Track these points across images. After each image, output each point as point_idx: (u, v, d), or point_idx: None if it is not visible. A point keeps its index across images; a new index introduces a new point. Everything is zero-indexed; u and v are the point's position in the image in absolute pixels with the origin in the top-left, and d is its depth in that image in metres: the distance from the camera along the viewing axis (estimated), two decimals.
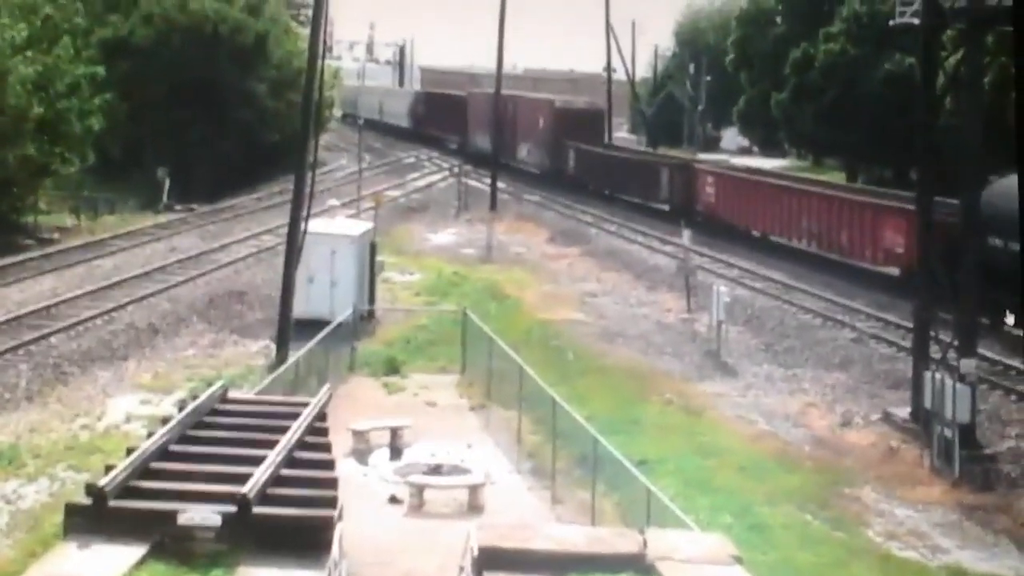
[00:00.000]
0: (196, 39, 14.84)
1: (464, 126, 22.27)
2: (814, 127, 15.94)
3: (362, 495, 5.41)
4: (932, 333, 7.35)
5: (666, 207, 16.08)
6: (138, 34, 14.55)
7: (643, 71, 24.65)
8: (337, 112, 23.20)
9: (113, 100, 12.88)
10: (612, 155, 19.68)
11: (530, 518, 5.23)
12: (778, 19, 18.36)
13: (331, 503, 3.54)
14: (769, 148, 22.23)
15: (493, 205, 16.28)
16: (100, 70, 12.11)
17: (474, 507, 5.56)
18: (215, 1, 14.97)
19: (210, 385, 5.30)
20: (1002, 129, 7.43)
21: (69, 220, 13.58)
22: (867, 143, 15.29)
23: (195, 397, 4.74)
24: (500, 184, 16.66)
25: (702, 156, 19.84)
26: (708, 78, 24.19)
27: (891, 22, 8.86)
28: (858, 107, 14.88)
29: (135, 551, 3.21)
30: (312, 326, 7.87)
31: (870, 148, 15.41)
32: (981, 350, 7.65)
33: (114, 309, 9.37)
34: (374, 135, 23.31)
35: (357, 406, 7.06)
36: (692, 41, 24.08)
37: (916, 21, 7.89)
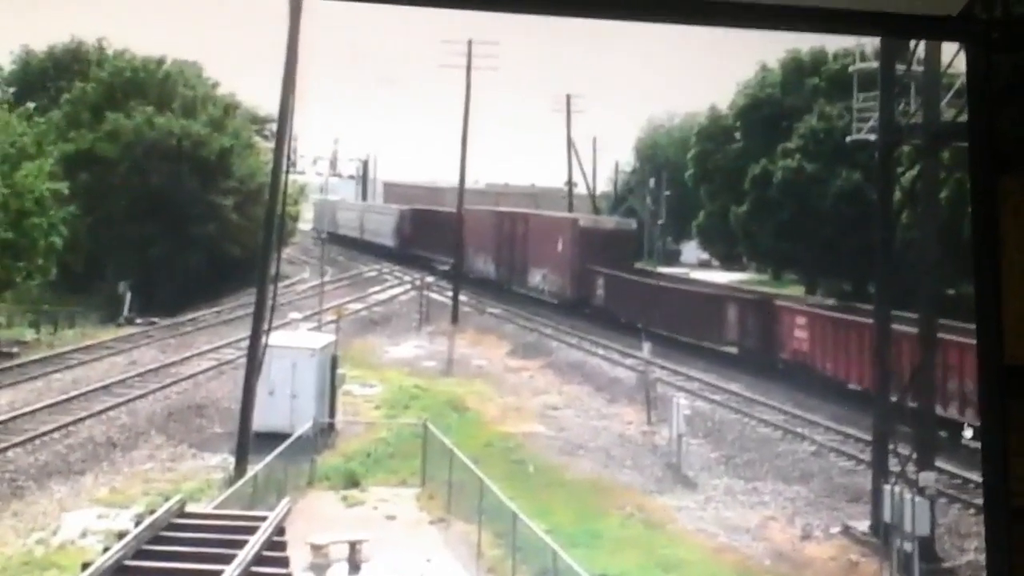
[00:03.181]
0: (159, 153, 15.43)
1: (460, 248, 20.35)
2: (773, 241, 16.26)
3: None
4: (891, 446, 7.41)
5: (733, 350, 12.96)
6: (100, 147, 14.77)
7: (604, 185, 24.68)
8: (307, 227, 22.97)
9: (75, 214, 12.95)
10: (659, 285, 14.49)
11: None
12: (736, 135, 18.53)
13: None
14: (729, 262, 22.31)
15: (455, 318, 16.27)
16: (64, 187, 12.19)
17: None
18: (179, 118, 15.14)
19: (168, 499, 5.28)
20: (958, 243, 7.56)
21: (29, 334, 13.78)
22: (826, 257, 15.65)
23: (152, 512, 4.72)
24: (462, 297, 16.66)
25: (663, 269, 19.39)
26: (668, 192, 23.82)
27: (848, 138, 9.05)
28: (816, 221, 15.57)
29: None
30: (272, 439, 7.88)
31: (829, 262, 15.69)
32: (940, 463, 7.72)
33: (72, 423, 9.63)
34: (339, 249, 23.45)
35: (316, 519, 7.05)
36: (652, 156, 24.28)
37: (872, 137, 8.06)
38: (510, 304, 16.35)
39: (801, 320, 12.94)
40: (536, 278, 18.72)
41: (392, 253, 22.17)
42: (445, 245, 21.04)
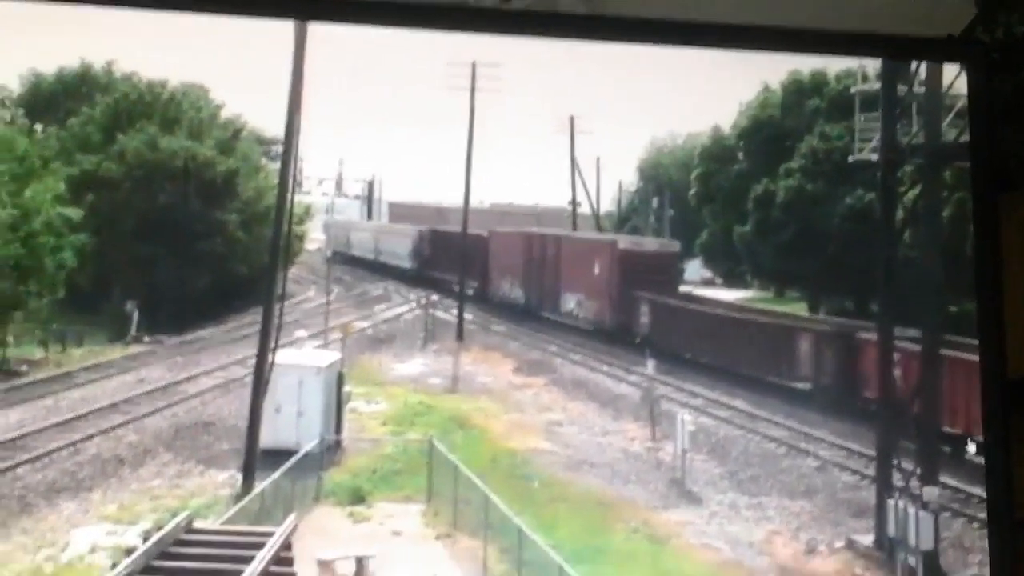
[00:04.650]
0: (164, 174, 15.41)
1: (484, 270, 18.93)
2: (776, 260, 16.29)
3: None
4: (895, 461, 7.45)
5: (806, 386, 10.78)
6: (105, 168, 14.78)
7: (608, 205, 24.62)
8: (313, 246, 22.87)
9: (84, 240, 12.94)
10: (715, 314, 12.33)
11: None
12: (739, 155, 18.51)
13: None
14: (732, 280, 22.26)
15: (460, 336, 16.20)
16: (76, 213, 12.19)
17: None
18: (186, 140, 15.16)
19: (175, 515, 5.32)
20: (960, 261, 7.58)
21: (38, 353, 13.75)
22: (828, 275, 15.64)
23: (160, 528, 4.76)
24: (467, 315, 16.63)
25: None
26: (671, 212, 23.86)
27: (850, 158, 9.09)
28: (819, 240, 15.51)
29: None
30: (279, 456, 7.91)
31: (831, 280, 15.70)
32: (943, 478, 7.75)
33: (80, 440, 9.65)
34: (345, 268, 23.35)
35: (323, 535, 7.08)
36: (655, 176, 24.17)
37: (875, 157, 8.10)
38: (519, 323, 16.08)
39: (899, 357, 11.04)
40: (570, 304, 16.70)
41: (409, 275, 21.10)
42: (469, 267, 19.97)
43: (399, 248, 23.52)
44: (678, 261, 17.35)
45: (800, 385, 12.47)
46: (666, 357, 13.17)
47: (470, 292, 17.44)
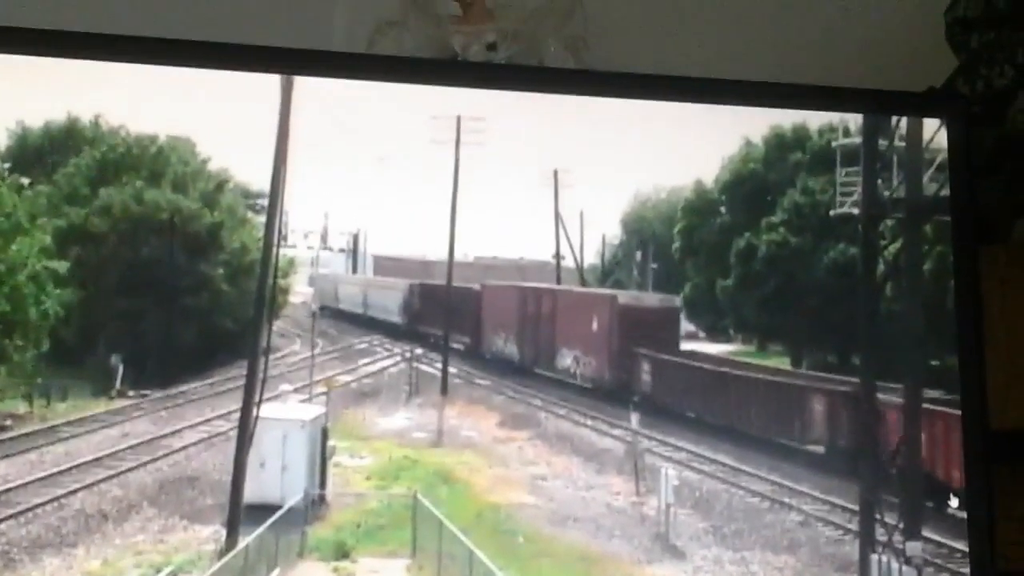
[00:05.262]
0: (149, 228, 15.22)
1: (476, 325, 18.40)
2: (759, 313, 16.14)
3: None
4: (878, 516, 7.42)
5: (819, 449, 11.25)
6: (92, 223, 14.53)
7: (591, 258, 24.25)
8: (298, 299, 22.46)
9: (72, 294, 12.79)
10: (722, 372, 12.29)
11: None
12: (722, 209, 18.38)
13: None
14: (715, 334, 21.98)
15: (444, 389, 15.86)
16: (63, 266, 11.99)
17: None
18: (171, 192, 14.99)
19: (159, 571, 5.29)
20: (942, 315, 7.61)
21: (22, 407, 13.64)
22: (811, 329, 15.56)
23: None
24: (451, 369, 16.31)
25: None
26: (655, 265, 23.45)
27: (831, 212, 9.11)
28: (801, 294, 15.43)
29: None
30: (263, 510, 7.83)
31: (814, 333, 15.61)
32: (926, 532, 7.70)
33: (64, 495, 9.51)
34: (330, 322, 22.95)
35: None
36: (639, 230, 23.77)
37: (856, 211, 8.11)
38: (501, 376, 15.69)
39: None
40: (566, 360, 16.27)
41: (399, 331, 20.51)
42: (460, 322, 19.51)
43: (388, 302, 23.01)
44: (679, 318, 16.78)
45: (810, 447, 12.56)
46: (667, 416, 12.94)
47: (461, 348, 16.60)
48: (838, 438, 9.45)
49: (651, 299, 13.05)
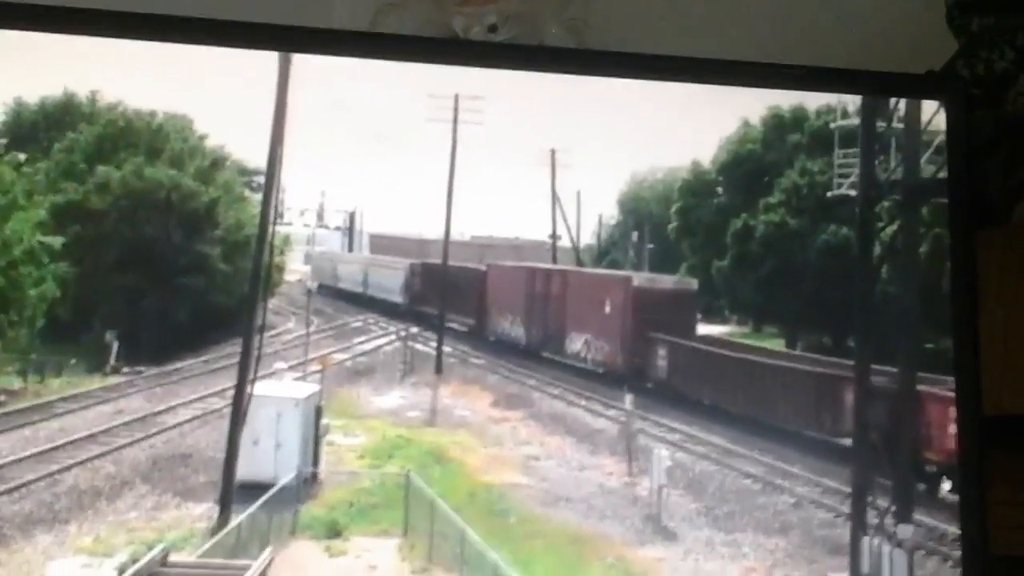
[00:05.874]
0: (149, 205, 15.13)
1: (481, 307, 17.83)
2: (754, 295, 16.15)
3: None
4: (869, 498, 7.44)
5: (847, 441, 10.04)
6: (91, 200, 14.48)
7: (588, 238, 24.35)
8: (295, 278, 22.37)
9: (67, 269, 12.75)
10: (745, 359, 11.57)
11: None
12: (719, 190, 18.42)
13: None
14: (710, 315, 22.15)
15: (439, 369, 15.93)
16: (58, 241, 11.97)
17: None
18: (168, 168, 14.94)
19: (152, 548, 5.29)
20: (938, 298, 7.63)
21: (16, 383, 13.63)
22: (806, 311, 15.55)
23: (135, 561, 4.74)
24: (446, 348, 16.37)
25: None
26: (651, 246, 23.51)
27: (829, 194, 9.11)
28: (797, 276, 15.42)
29: None
30: (256, 488, 7.85)
31: (809, 316, 15.61)
32: (918, 516, 7.73)
33: (58, 471, 9.53)
34: (325, 300, 23.01)
35: (299, 569, 7.03)
36: (635, 210, 23.92)
37: (853, 193, 8.12)
38: (497, 356, 15.40)
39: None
40: (576, 344, 15.04)
41: (400, 310, 20.13)
42: (462, 303, 18.83)
43: (389, 282, 22.61)
44: (694, 301, 15.47)
45: (838, 440, 11.82)
46: (685, 404, 12.01)
47: (464, 330, 15.87)
48: (873, 432, 8.38)
49: (666, 281, 12.18)
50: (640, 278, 12.08)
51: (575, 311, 12.51)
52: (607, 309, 12.40)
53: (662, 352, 10.82)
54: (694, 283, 12.81)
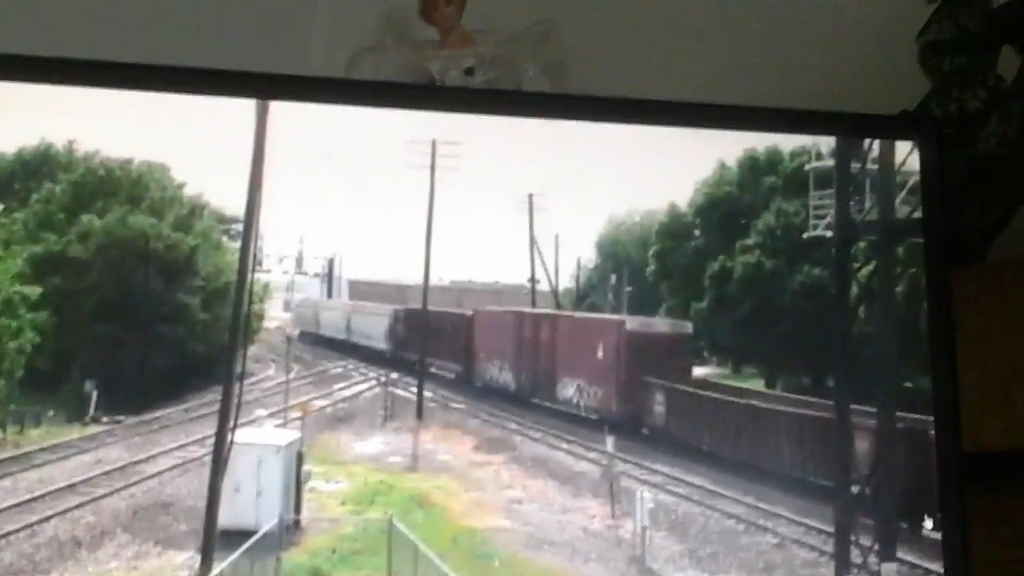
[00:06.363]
0: (132, 254, 14.84)
1: (468, 352, 16.13)
2: (733, 336, 15.93)
3: None
4: (852, 538, 7.41)
5: (857, 489, 9.58)
6: (72, 249, 14.23)
7: (567, 282, 23.87)
8: (274, 325, 21.88)
9: (47, 319, 12.56)
10: (748, 404, 10.78)
11: None
12: (696, 232, 18.22)
13: None
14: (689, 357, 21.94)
15: (420, 413, 15.60)
16: (35, 291, 11.76)
17: None
18: (148, 217, 14.72)
19: None
20: (915, 337, 7.63)
21: None
22: (785, 351, 15.35)
23: None
24: (426, 393, 16.05)
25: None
26: (630, 288, 22.97)
27: (804, 235, 9.13)
28: (775, 316, 15.28)
29: None
30: (238, 536, 7.77)
31: (788, 356, 15.40)
32: (901, 554, 7.69)
33: (37, 522, 9.42)
34: (304, 346, 22.46)
35: None
36: (613, 253, 23.38)
37: (829, 234, 8.13)
38: (476, 400, 14.90)
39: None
40: (568, 391, 13.56)
41: (385, 357, 19.42)
42: (448, 349, 17.67)
43: (373, 328, 21.85)
44: (688, 345, 14.41)
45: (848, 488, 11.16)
46: (682, 451, 11.42)
47: (452, 376, 14.76)
48: (889, 480, 7.87)
49: (661, 325, 12.00)
50: (633, 322, 11.91)
51: (566, 356, 12.36)
52: (600, 354, 12.27)
53: (659, 398, 10.65)
54: (689, 326, 12.59)
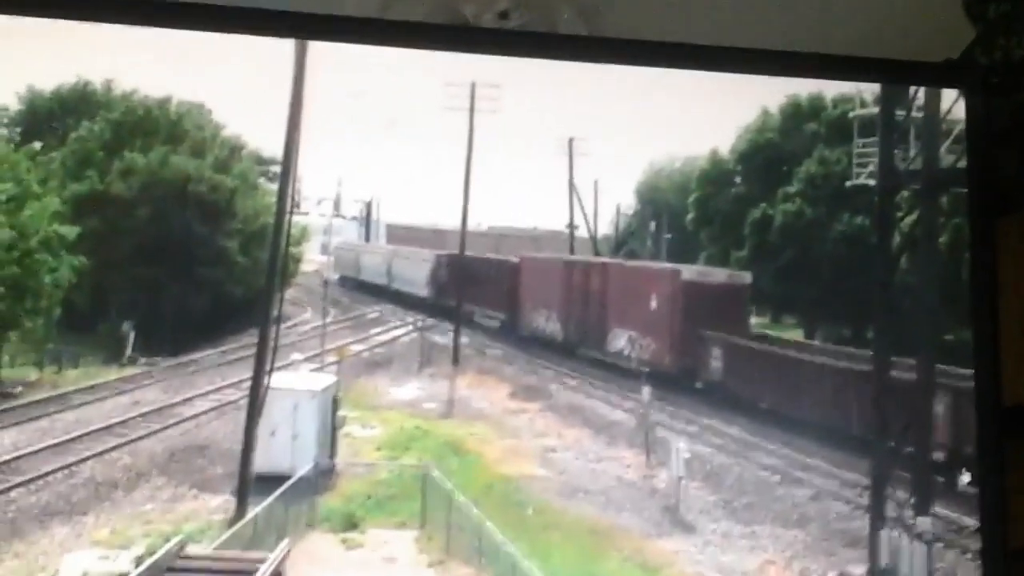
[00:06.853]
0: (172, 195, 15.13)
1: (513, 301, 15.79)
2: (773, 285, 16.09)
3: None
4: (888, 491, 7.39)
5: (940, 456, 8.25)
6: (115, 187, 14.49)
7: (605, 228, 24.33)
8: (311, 268, 22.34)
9: (84, 261, 12.75)
10: (814, 362, 9.59)
11: None
12: (737, 179, 18.37)
13: None
14: None
15: (456, 360, 15.88)
16: (72, 231, 11.95)
17: None
18: (190, 158, 14.93)
19: (168, 540, 5.30)
20: (957, 288, 7.56)
21: (33, 374, 13.61)
22: (825, 301, 15.47)
23: (152, 553, 4.75)
24: (463, 339, 16.36)
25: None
26: (669, 236, 23.62)
27: (847, 183, 9.04)
28: (816, 266, 15.38)
29: None
30: (273, 480, 7.86)
31: (828, 306, 15.52)
32: (937, 508, 7.67)
33: (75, 463, 9.56)
34: (341, 290, 23.09)
35: (316, 562, 7.03)
36: (653, 200, 23.96)
37: (872, 183, 8.06)
38: (515, 347, 14.92)
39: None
40: (620, 342, 12.87)
41: (427, 304, 19.20)
42: (492, 296, 17.15)
43: (416, 274, 21.80)
44: (746, 296, 13.10)
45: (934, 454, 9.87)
46: (740, 408, 10.47)
47: (496, 324, 14.14)
48: (964, 444, 6.55)
49: (719, 274, 10.31)
50: (690, 271, 10.28)
51: (617, 307, 10.65)
52: (653, 304, 10.55)
53: (716, 352, 9.05)
54: (747, 276, 10.94)
